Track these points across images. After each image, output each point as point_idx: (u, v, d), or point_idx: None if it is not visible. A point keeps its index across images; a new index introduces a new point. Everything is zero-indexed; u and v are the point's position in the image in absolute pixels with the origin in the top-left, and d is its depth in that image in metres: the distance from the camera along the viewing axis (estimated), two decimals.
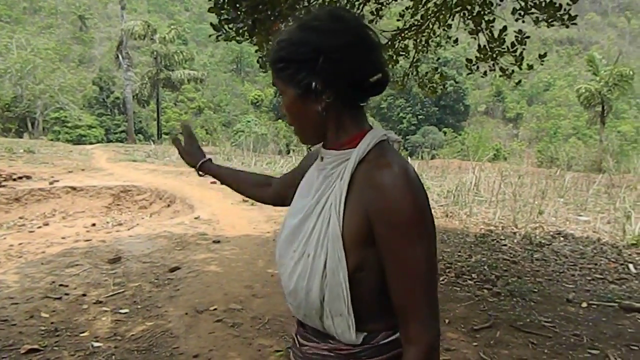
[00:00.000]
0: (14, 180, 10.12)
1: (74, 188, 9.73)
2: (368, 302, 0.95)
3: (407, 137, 43.25)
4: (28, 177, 10.50)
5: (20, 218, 8.45)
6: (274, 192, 1.41)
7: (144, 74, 34.71)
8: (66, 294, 4.05)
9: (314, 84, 0.94)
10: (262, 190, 1.45)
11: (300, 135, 1.05)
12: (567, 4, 4.82)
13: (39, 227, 7.64)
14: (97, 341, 3.21)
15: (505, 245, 6.25)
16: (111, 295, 4.04)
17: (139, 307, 3.82)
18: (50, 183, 9.98)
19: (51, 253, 5.40)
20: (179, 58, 33.24)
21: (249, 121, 38.47)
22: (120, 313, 3.69)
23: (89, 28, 62.59)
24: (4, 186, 9.40)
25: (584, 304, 4.15)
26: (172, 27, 35.73)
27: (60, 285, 4.25)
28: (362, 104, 1.01)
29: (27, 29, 51.70)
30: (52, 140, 28.15)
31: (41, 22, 60.75)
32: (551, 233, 7.08)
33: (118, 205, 9.61)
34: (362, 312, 0.95)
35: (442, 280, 4.64)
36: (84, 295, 4.05)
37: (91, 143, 29.50)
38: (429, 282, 0.91)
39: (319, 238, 0.95)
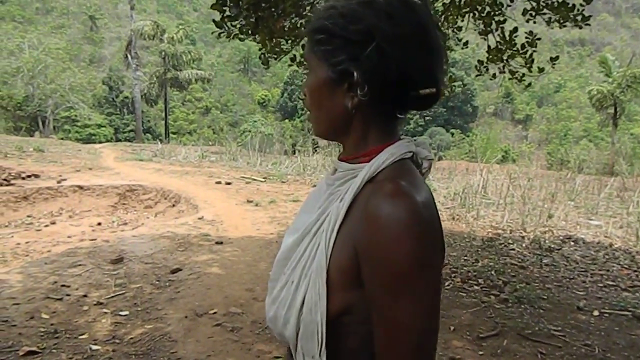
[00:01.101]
0: (23, 178, 10.16)
1: (81, 187, 9.74)
2: (354, 352, 0.77)
3: (414, 138, 43.12)
4: (37, 176, 10.53)
5: (28, 216, 8.46)
6: None
7: (152, 74, 34.89)
8: (67, 295, 4.01)
9: (355, 73, 0.76)
10: None
11: (314, 125, 0.87)
12: (580, 4, 4.72)
13: (46, 226, 7.65)
14: (95, 344, 3.17)
15: (513, 249, 6.14)
16: (112, 297, 4.00)
17: (139, 309, 3.77)
18: (58, 182, 10.00)
19: (56, 252, 5.38)
20: (187, 58, 33.35)
21: (255, 121, 38.58)
22: (120, 315, 3.65)
23: (99, 28, 63.13)
24: (12, 184, 9.44)
25: (596, 312, 4.04)
26: (181, 27, 35.85)
27: (62, 285, 4.22)
28: (400, 116, 0.83)
29: (39, 29, 52.17)
30: (62, 139, 28.36)
31: (53, 22, 61.33)
32: (561, 237, 6.95)
33: (124, 204, 9.60)
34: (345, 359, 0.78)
35: (448, 285, 4.55)
36: (85, 296, 4.01)
37: (100, 142, 29.71)
38: (418, 349, 0.70)
39: (304, 265, 0.80)
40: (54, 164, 12.72)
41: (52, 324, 3.42)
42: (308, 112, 0.87)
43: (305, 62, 0.85)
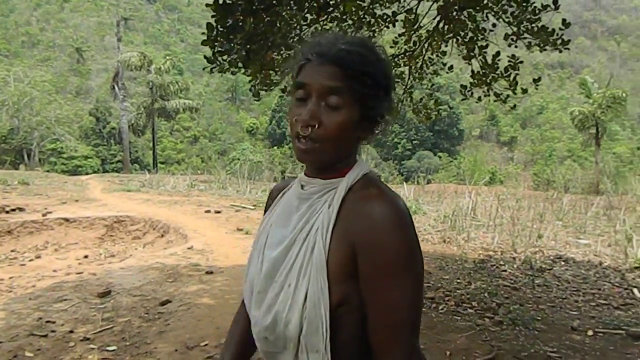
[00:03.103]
0: (7, 212, 10.00)
1: (67, 219, 9.59)
2: (347, 341, 0.88)
3: (402, 162, 43.48)
4: (21, 209, 10.37)
5: (12, 251, 8.29)
6: None
7: (140, 104, 34.96)
8: (52, 331, 3.89)
9: (385, 117, 0.95)
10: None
11: (325, 154, 0.91)
12: (560, 28, 4.84)
13: (31, 260, 7.49)
14: None
15: (505, 271, 6.12)
16: (99, 332, 3.89)
17: (127, 343, 3.66)
18: (44, 215, 9.84)
19: (41, 287, 5.24)
20: (175, 88, 33.55)
21: (244, 149, 38.60)
22: (108, 350, 3.54)
23: (86, 60, 63.33)
24: None
25: (590, 332, 4.01)
26: (168, 57, 36.17)
27: (47, 321, 4.09)
28: None
29: (25, 62, 52.21)
30: (48, 171, 28.07)
31: (39, 55, 61.47)
32: (551, 257, 6.97)
33: (111, 236, 9.45)
34: (340, 350, 0.87)
35: (442, 309, 4.50)
36: (71, 331, 3.89)
37: (87, 173, 29.44)
38: (410, 328, 0.84)
39: (301, 266, 0.88)
40: (39, 196, 12.55)
41: None
42: (312, 142, 0.90)
43: (327, 90, 0.89)
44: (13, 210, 10.16)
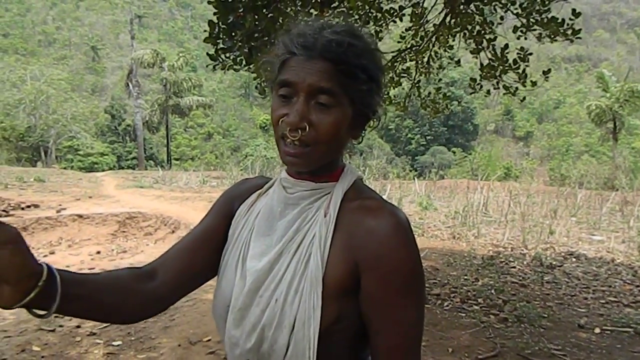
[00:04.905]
0: (22, 209, 10.16)
1: (80, 216, 9.73)
2: (338, 357, 0.81)
3: (416, 158, 43.19)
4: (36, 206, 10.53)
5: None
6: (162, 284, 0.91)
7: (154, 101, 35.29)
8: (60, 326, 3.96)
9: (379, 112, 0.87)
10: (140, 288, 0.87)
11: (317, 157, 0.82)
12: (570, 18, 4.76)
13: (45, 256, 7.61)
14: None
15: (514, 267, 6.06)
16: (105, 327, 3.94)
17: (133, 338, 3.71)
18: (58, 211, 10.00)
19: None
20: (188, 85, 33.77)
21: (258, 145, 38.72)
22: (113, 345, 3.59)
23: (101, 58, 64.17)
24: (11, 215, 9.43)
25: (597, 330, 3.95)
26: (181, 54, 36.36)
27: (56, 316, 4.14)
28: None
29: (42, 60, 53.11)
30: (64, 168, 28.50)
31: (55, 54, 62.44)
32: (563, 254, 6.87)
33: (124, 232, 9.57)
34: None
35: (447, 306, 4.47)
36: (78, 327, 3.96)
37: (103, 170, 29.84)
38: (417, 344, 0.80)
39: (291, 281, 0.79)
40: (54, 193, 12.75)
41: (42, 357, 3.37)
42: (302, 146, 0.80)
43: (320, 88, 0.79)
44: (28, 206, 10.32)
